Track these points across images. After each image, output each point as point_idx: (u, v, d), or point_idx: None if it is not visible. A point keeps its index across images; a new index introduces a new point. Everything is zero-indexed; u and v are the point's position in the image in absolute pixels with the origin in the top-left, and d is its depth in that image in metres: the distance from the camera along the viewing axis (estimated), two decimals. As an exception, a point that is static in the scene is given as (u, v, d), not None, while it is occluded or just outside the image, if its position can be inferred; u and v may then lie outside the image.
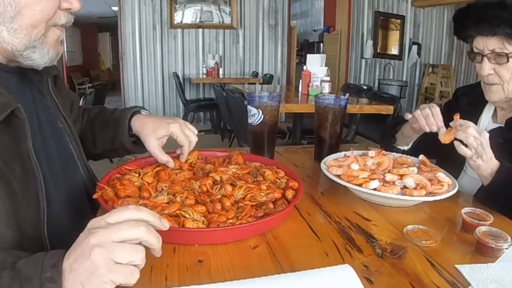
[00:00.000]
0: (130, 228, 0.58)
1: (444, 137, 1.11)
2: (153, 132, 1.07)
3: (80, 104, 1.27)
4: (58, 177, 0.90)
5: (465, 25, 1.19)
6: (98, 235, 0.56)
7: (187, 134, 1.08)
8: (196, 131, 1.11)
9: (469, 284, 0.69)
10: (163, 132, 1.06)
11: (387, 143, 1.41)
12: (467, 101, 1.39)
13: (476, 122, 1.31)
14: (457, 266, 0.74)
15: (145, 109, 1.20)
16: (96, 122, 1.21)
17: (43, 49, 0.82)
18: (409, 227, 0.88)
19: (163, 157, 1.05)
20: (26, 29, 0.77)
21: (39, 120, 0.91)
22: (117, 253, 0.55)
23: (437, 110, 1.18)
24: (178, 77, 6.15)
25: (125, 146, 1.15)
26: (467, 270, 0.72)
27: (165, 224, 0.64)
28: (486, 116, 1.32)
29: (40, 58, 0.82)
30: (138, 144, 1.15)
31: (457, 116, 1.09)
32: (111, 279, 0.54)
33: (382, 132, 1.56)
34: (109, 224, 0.58)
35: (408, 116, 1.25)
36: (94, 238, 0.55)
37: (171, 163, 1.04)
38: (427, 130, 1.17)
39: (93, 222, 0.59)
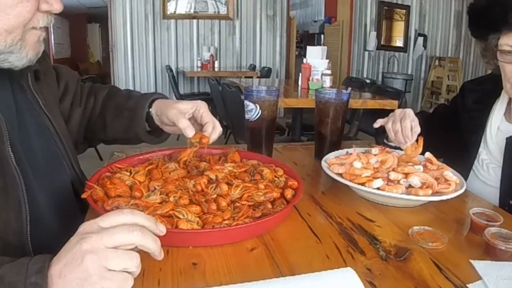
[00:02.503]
0: (124, 233, 0.57)
1: (407, 152, 1.17)
2: (174, 104, 1.04)
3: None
4: (43, 177, 0.89)
5: (506, 20, 1.07)
6: (91, 240, 0.56)
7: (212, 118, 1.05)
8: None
9: (480, 279, 0.69)
10: (188, 104, 1.03)
11: (379, 139, 1.41)
12: (474, 99, 1.36)
13: (485, 121, 1.29)
14: (472, 261, 0.75)
15: (165, 97, 1.16)
16: (108, 108, 1.18)
17: (21, 53, 0.79)
18: (415, 228, 0.88)
19: (184, 121, 1.00)
20: (0, 34, 0.75)
21: (21, 116, 0.90)
22: (110, 259, 0.55)
23: (406, 125, 1.18)
24: (171, 70, 6.14)
25: (140, 137, 1.14)
26: (481, 266, 0.73)
27: (161, 229, 0.64)
28: (497, 114, 1.28)
29: (18, 61, 0.80)
30: (154, 134, 1.14)
31: (421, 139, 1.17)
32: (103, 286, 0.54)
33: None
34: (102, 228, 0.58)
35: (376, 125, 1.28)
36: (87, 243, 0.55)
37: (190, 130, 0.99)
38: (397, 145, 1.22)
39: (85, 226, 0.59)
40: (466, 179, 1.23)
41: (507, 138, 1.19)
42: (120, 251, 0.57)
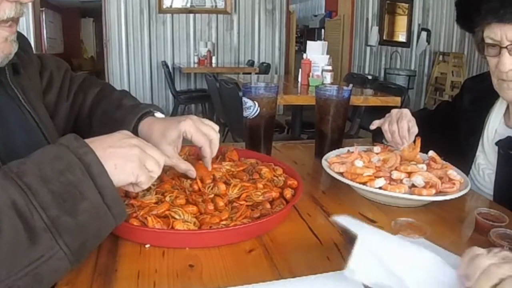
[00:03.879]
0: (160, 152, 0.77)
1: (405, 153, 1.15)
2: (162, 137, 0.96)
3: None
4: None
5: (479, 11, 1.07)
6: (139, 141, 0.74)
7: (204, 132, 0.95)
8: (216, 127, 0.98)
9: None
10: (174, 134, 0.94)
11: (378, 139, 1.38)
12: (471, 99, 1.31)
13: (482, 125, 1.25)
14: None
15: (160, 110, 1.08)
16: (95, 113, 1.13)
17: None
18: (398, 220, 0.90)
19: (182, 165, 0.93)
20: None
21: (2, 112, 0.88)
22: (149, 160, 0.73)
23: (403, 125, 1.17)
24: (167, 66, 6.13)
25: None
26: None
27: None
28: (496, 117, 1.24)
29: None
30: None
31: (418, 140, 1.15)
32: (137, 174, 0.70)
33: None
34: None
35: (372, 127, 1.27)
36: (136, 141, 0.73)
37: (192, 172, 0.94)
38: (394, 146, 1.20)
39: (128, 133, 0.75)
40: None
41: (496, 143, 1.16)
42: (156, 159, 0.74)
